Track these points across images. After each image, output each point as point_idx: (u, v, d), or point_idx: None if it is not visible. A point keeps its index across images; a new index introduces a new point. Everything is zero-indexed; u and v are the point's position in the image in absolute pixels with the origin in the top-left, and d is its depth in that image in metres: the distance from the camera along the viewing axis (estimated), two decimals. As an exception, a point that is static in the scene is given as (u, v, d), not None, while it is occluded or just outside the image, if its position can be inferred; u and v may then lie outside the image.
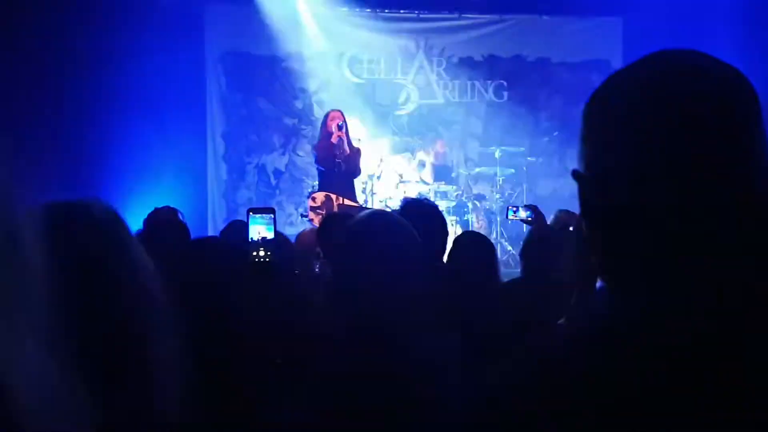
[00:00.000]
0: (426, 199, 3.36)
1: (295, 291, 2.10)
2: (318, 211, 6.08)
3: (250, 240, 1.86)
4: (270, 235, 1.85)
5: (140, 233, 3.20)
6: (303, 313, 2.04)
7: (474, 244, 3.24)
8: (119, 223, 1.09)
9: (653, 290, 0.71)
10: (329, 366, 1.60)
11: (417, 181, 7.48)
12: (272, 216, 1.90)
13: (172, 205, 5.32)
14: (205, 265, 1.67)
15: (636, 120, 0.73)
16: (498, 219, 7.24)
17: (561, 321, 1.62)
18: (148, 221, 3.63)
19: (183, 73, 7.59)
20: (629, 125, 0.74)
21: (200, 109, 8.06)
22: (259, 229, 1.86)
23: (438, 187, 7.31)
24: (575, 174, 0.81)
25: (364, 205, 6.19)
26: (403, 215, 2.57)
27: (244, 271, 1.69)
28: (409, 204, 2.83)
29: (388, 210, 5.31)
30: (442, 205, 7.14)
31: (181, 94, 7.56)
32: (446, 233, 2.73)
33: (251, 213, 1.91)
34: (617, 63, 8.31)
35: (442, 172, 7.76)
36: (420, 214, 2.42)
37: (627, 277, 0.76)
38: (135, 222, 4.97)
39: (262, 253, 1.81)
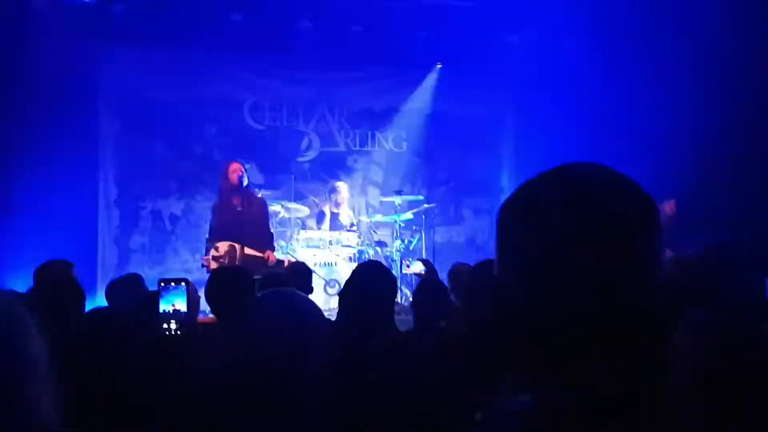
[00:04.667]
0: (376, 262, 3.47)
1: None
2: (220, 260, 5.96)
3: (161, 312, 1.81)
4: (182, 307, 1.81)
5: (31, 291, 3.03)
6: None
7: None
8: (17, 321, 1.02)
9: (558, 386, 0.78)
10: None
11: (318, 228, 7.49)
12: (185, 286, 1.86)
13: (61, 253, 5.07)
14: (105, 344, 1.61)
15: (537, 234, 0.80)
16: (398, 265, 7.35)
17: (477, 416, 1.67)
18: (39, 277, 3.42)
19: (75, 115, 7.30)
20: (532, 239, 0.81)
21: (92, 152, 7.73)
22: (170, 300, 1.81)
23: (339, 234, 7.35)
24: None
25: (267, 257, 6.12)
26: (354, 278, 2.65)
27: (149, 348, 1.66)
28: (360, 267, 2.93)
29: (293, 261, 5.29)
30: (343, 252, 7.19)
31: (72, 136, 7.24)
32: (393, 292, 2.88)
33: (162, 283, 1.87)
34: (510, 117, 8.78)
35: (343, 219, 7.83)
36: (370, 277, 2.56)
37: (539, 374, 0.81)
38: (23, 274, 4.68)
39: (173, 326, 1.77)
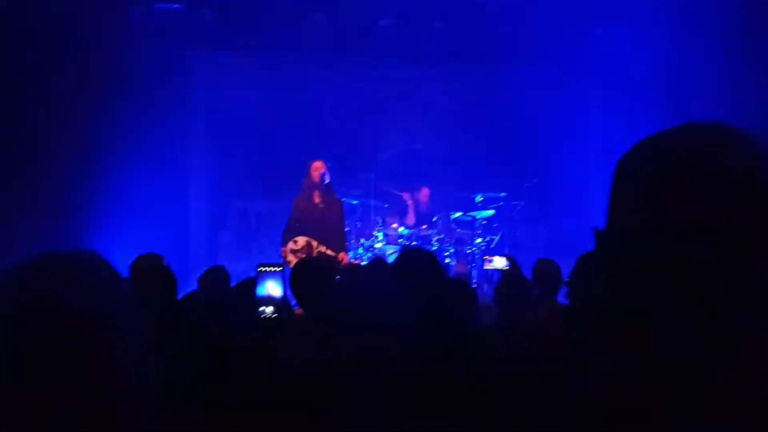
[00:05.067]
0: (422, 248, 3.43)
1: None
2: (298, 254, 6.11)
3: (259, 296, 1.88)
4: (278, 292, 1.87)
5: (126, 281, 3.19)
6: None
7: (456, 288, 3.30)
8: (116, 279, 1.04)
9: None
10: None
11: (398, 225, 7.53)
12: (282, 271, 1.92)
13: (154, 248, 5.32)
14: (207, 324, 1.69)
15: (658, 189, 0.76)
16: (479, 263, 7.29)
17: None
18: (134, 269, 3.60)
19: (167, 116, 7.64)
20: (651, 193, 0.76)
21: (183, 153, 8.07)
22: (268, 285, 1.88)
23: (419, 231, 7.36)
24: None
25: (341, 257, 6.21)
26: (399, 264, 2.63)
27: (246, 330, 1.71)
28: (405, 253, 2.90)
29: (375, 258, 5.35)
30: (424, 249, 7.19)
31: (164, 137, 7.59)
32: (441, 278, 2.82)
33: (260, 268, 1.94)
34: (596, 112, 8.54)
35: (422, 216, 7.83)
36: (416, 262, 2.53)
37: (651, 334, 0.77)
38: (119, 268, 4.92)
39: (269, 309, 1.83)
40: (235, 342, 2.05)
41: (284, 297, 1.89)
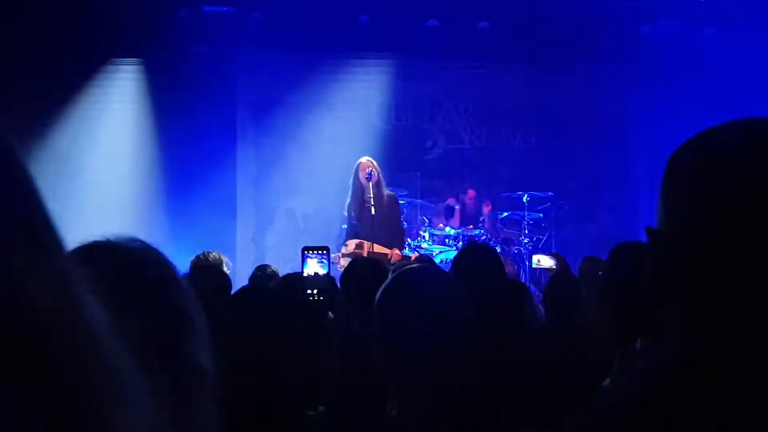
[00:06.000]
0: (483, 243, 3.42)
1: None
2: (349, 257, 6.10)
3: (305, 276, 1.91)
4: (323, 272, 1.90)
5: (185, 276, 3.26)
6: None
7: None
8: (168, 267, 1.02)
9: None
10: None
11: (444, 225, 7.51)
12: (326, 254, 1.95)
13: (203, 247, 5.42)
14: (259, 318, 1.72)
15: (709, 189, 0.74)
16: (527, 263, 7.22)
17: (606, 382, 1.60)
18: (195, 264, 3.69)
19: (214, 118, 7.78)
20: (702, 193, 0.75)
21: (231, 154, 8.21)
22: (313, 268, 1.91)
23: (465, 231, 7.33)
24: (648, 230, 0.82)
25: (391, 255, 6.20)
26: (461, 258, 2.62)
27: (299, 321, 1.73)
28: (467, 247, 2.91)
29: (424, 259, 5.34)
30: (470, 249, 7.15)
31: (211, 138, 7.73)
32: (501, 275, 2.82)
33: (306, 251, 1.96)
34: (641, 111, 8.38)
35: (469, 216, 7.80)
36: (476, 256, 2.54)
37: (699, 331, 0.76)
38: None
39: (315, 291, 1.86)
40: (284, 334, 2.08)
41: (330, 278, 1.93)
